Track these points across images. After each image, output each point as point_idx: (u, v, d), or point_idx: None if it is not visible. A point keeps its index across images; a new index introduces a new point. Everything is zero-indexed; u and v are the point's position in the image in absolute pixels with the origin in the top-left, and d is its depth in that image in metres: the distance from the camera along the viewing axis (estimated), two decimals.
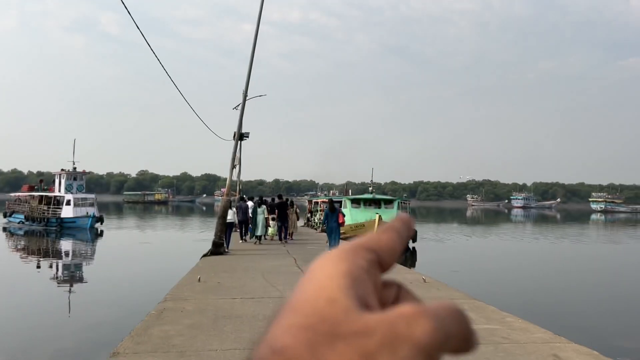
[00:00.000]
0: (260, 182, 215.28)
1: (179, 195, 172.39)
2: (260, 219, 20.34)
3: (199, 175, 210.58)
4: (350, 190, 55.28)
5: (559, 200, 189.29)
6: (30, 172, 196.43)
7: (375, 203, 30.74)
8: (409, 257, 26.82)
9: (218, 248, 16.39)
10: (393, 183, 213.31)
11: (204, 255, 16.14)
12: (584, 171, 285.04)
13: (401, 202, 31.89)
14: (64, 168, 42.70)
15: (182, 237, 36.18)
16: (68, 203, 40.28)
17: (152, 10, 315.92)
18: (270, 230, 21.47)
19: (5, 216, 46.95)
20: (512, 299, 13.88)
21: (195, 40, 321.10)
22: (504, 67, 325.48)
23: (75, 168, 42.72)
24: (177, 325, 7.12)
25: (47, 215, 40.98)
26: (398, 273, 12.81)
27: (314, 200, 40.15)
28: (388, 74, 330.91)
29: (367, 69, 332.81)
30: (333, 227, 16.56)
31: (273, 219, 21.26)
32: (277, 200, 22.51)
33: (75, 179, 42.24)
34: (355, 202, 30.91)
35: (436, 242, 35.32)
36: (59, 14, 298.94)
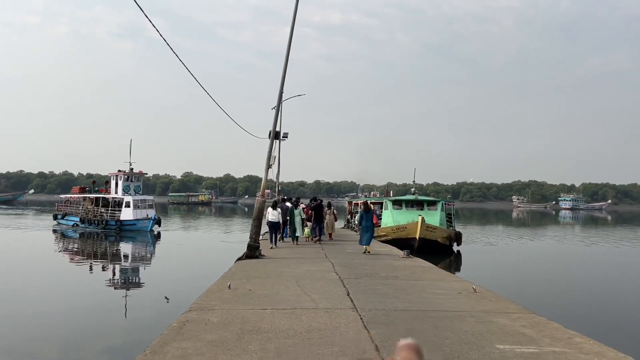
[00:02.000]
0: (301, 184, 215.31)
1: (222, 197, 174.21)
2: (297, 220, 20.70)
3: (242, 176, 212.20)
4: (391, 192, 54.05)
5: (609, 201, 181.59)
6: (80, 174, 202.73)
7: (418, 204, 29.59)
8: (453, 261, 25.61)
9: (253, 251, 15.74)
10: (435, 184, 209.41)
11: (239, 259, 15.53)
12: (636, 171, 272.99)
13: (445, 204, 30.58)
14: (120, 169, 41.40)
15: (223, 238, 35.90)
16: (127, 205, 39.14)
17: (196, 16, 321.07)
18: (305, 231, 21.89)
19: (55, 218, 46.14)
20: (575, 313, 12.62)
21: (237, 43, 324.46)
22: (549, 65, 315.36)
23: (132, 169, 41.36)
24: (197, 341, 6.39)
25: (105, 217, 39.92)
26: (444, 281, 11.79)
27: (354, 202, 39.22)
28: (429, 73, 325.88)
29: (407, 69, 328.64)
30: (368, 226, 17.68)
31: (309, 220, 21.85)
32: (311, 202, 23.20)
33: (132, 180, 40.98)
34: (397, 203, 29.84)
35: (481, 246, 33.82)
36: (107, 20, 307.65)
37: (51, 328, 11.43)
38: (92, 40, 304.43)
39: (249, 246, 15.86)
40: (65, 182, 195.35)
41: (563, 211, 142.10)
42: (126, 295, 15.99)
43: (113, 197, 40.63)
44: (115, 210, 39.83)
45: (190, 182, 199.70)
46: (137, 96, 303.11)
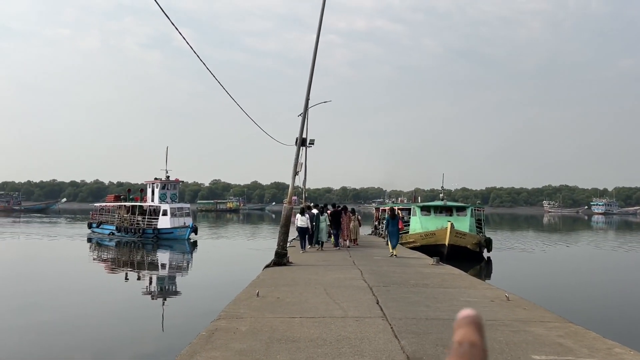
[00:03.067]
0: (328, 190, 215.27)
1: (250, 204, 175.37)
2: (323, 226, 20.99)
3: (269, 183, 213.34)
4: (419, 198, 53.55)
5: None
6: (110, 183, 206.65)
7: (447, 210, 29.17)
8: (483, 268, 25.16)
9: (281, 258, 15.71)
10: (464, 189, 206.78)
11: (267, 266, 15.51)
12: None
13: (475, 209, 30.09)
14: (157, 177, 40.57)
15: (251, 245, 36.05)
16: (165, 213, 38.34)
17: (223, 25, 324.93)
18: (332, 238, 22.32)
19: (90, 227, 45.54)
20: (613, 323, 12.20)
21: (263, 51, 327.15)
22: (579, 67, 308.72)
23: (168, 177, 40.44)
24: (226, 350, 6.35)
25: (141, 226, 39.23)
26: (475, 289, 11.55)
27: (381, 208, 38.95)
28: (456, 78, 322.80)
29: (434, 74, 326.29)
30: (393, 231, 19.10)
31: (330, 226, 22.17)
32: (329, 208, 23.03)
33: (168, 187, 40.12)
34: (425, 209, 29.50)
35: (512, 252, 33.17)
36: (136, 31, 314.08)
37: (84, 335, 11.57)
38: (121, 51, 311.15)
39: (276, 253, 15.84)
40: (97, 190, 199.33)
41: (596, 216, 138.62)
42: (158, 303, 16.13)
43: (149, 205, 40.01)
44: (152, 218, 39.20)
45: (218, 190, 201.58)
46: (166, 105, 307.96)
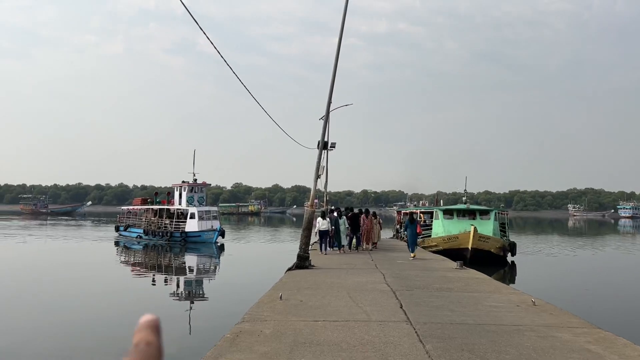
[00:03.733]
0: (349, 193, 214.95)
1: (271, 207, 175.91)
2: (342, 229, 21.48)
3: (290, 186, 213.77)
4: (441, 201, 53.16)
5: None
6: (135, 186, 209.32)
7: (470, 214, 28.88)
8: (507, 272, 24.84)
9: (303, 262, 15.73)
10: (487, 192, 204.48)
11: (289, 269, 15.54)
12: None
13: (498, 213, 29.73)
14: (184, 180, 40.25)
15: (273, 248, 36.19)
16: (192, 216, 37.90)
17: (246, 30, 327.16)
18: (354, 240, 22.52)
19: (117, 230, 45.45)
20: None
21: (285, 55, 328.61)
22: (605, 68, 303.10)
23: (196, 180, 40.07)
24: (250, 353, 6.37)
25: (169, 229, 38.91)
26: (500, 293, 11.41)
27: (403, 212, 38.75)
28: (479, 80, 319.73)
29: (456, 76, 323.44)
30: (413, 234, 20.14)
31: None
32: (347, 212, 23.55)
33: (195, 191, 39.74)
34: (448, 213, 29.24)
35: (537, 256, 32.68)
36: (160, 37, 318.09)
37: (110, 336, 11.72)
38: (145, 57, 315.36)
39: (299, 256, 15.86)
40: (121, 194, 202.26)
41: (623, 220, 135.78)
42: (182, 305, 16.25)
43: (177, 208, 39.70)
44: (179, 221, 38.84)
45: (240, 193, 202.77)
46: (189, 109, 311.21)
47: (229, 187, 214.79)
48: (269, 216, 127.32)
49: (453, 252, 23.64)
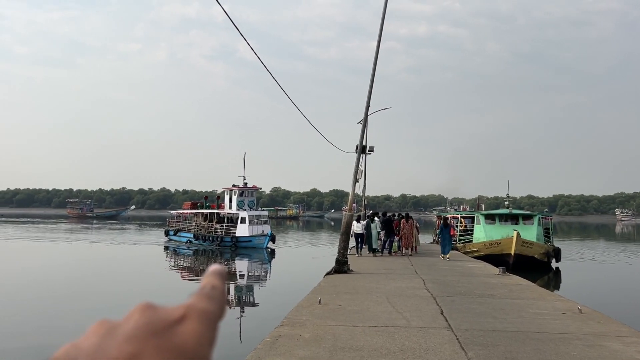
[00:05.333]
0: (387, 197, 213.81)
1: (309, 211, 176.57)
2: (374, 233, 21.75)
3: (328, 191, 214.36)
4: (482, 205, 52.18)
5: None
6: (176, 191, 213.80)
7: (512, 218, 28.22)
8: (552, 278, 24.17)
9: (342, 266, 15.68)
10: (530, 197, 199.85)
11: (328, 273, 15.53)
12: None
13: (542, 218, 28.95)
14: (235, 184, 39.69)
15: (311, 252, 36.28)
16: (243, 221, 37.02)
17: (285, 35, 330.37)
18: (394, 245, 22.53)
19: (167, 234, 44.63)
20: None
21: (324, 60, 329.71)
22: None
23: (246, 183, 39.49)
24: (290, 357, 6.39)
25: (220, 233, 38.21)
26: (545, 300, 11.09)
27: (443, 216, 38.24)
28: (522, 82, 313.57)
29: (498, 78, 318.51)
30: (446, 238, 21.56)
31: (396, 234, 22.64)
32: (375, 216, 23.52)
33: (246, 195, 39.10)
34: (490, 217, 28.67)
35: (582, 262, 31.67)
36: (201, 44, 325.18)
37: None
38: (187, 64, 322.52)
39: (337, 261, 15.82)
40: (163, 198, 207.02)
41: None
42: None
43: (227, 213, 38.96)
44: (229, 226, 38.10)
45: (279, 197, 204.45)
46: (229, 114, 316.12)
47: (267, 191, 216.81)
48: (307, 220, 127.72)
49: (495, 257, 23.15)
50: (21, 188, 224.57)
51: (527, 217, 28.50)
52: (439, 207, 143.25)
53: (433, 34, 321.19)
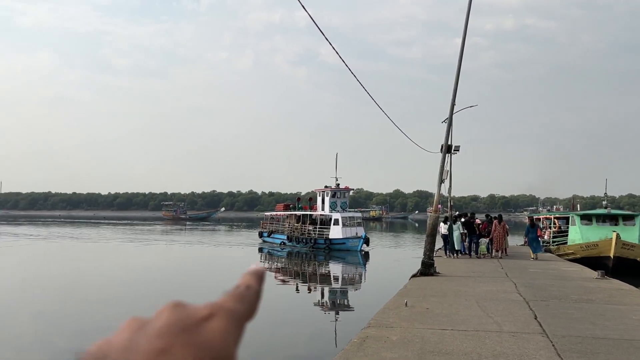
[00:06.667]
0: (474, 198, 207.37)
1: (392, 212, 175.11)
2: (456, 234, 21.50)
3: (411, 192, 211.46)
4: (578, 205, 49.34)
5: None
6: (263, 193, 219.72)
7: (611, 219, 26.50)
8: None
9: (428, 268, 15.44)
10: (630, 196, 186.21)
11: (413, 276, 15.35)
12: None
13: None
14: (327, 185, 39.30)
15: (395, 254, 35.96)
16: (336, 223, 36.41)
17: (368, 37, 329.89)
18: (481, 247, 22.10)
19: (260, 236, 45.12)
20: None
21: (406, 59, 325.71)
22: None
23: (338, 184, 38.98)
24: (378, 359, 6.41)
25: (313, 235, 37.82)
26: None
27: (535, 217, 36.56)
28: (621, 74, 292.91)
29: (594, 71, 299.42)
30: (533, 238, 22.45)
31: (484, 236, 22.26)
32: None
33: (338, 196, 38.47)
34: (586, 218, 27.08)
35: None
36: (285, 49, 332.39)
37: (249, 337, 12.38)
38: (271, 69, 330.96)
39: (423, 263, 15.61)
40: (250, 200, 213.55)
41: None
42: (310, 309, 16.69)
43: (320, 214, 38.53)
44: (322, 228, 37.55)
45: (361, 198, 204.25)
46: (312, 117, 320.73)
47: (350, 193, 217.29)
48: (391, 222, 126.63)
49: (592, 260, 21.86)
50: (120, 192, 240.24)
51: (628, 218, 26.65)
52: (530, 208, 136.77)
53: (521, 27, 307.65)
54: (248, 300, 0.47)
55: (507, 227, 23.42)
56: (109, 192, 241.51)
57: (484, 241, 22.24)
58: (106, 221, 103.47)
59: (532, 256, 21.20)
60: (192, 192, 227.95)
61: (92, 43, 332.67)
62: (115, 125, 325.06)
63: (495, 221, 22.39)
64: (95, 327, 12.64)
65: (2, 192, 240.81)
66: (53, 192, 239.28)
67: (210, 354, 0.41)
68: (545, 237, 30.16)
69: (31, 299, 17.37)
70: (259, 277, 0.49)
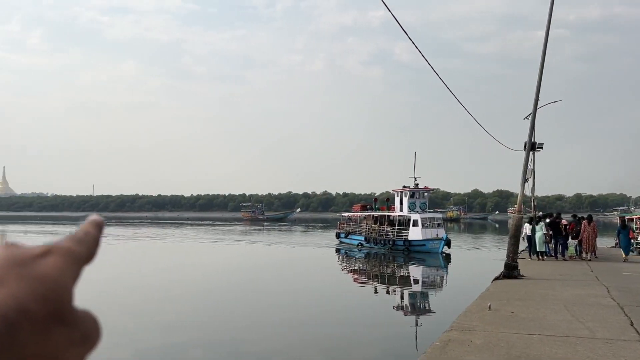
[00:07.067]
0: (559, 197, 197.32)
1: (471, 213, 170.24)
2: (538, 235, 20.62)
3: (491, 191, 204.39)
4: None
5: None
6: (337, 194, 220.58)
7: None
8: None
9: (511, 271, 14.89)
10: None
11: (496, 278, 14.86)
12: None
13: None
14: (405, 185, 38.53)
15: (475, 255, 34.98)
16: (415, 224, 35.51)
17: (442, 34, 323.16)
18: (570, 249, 21.34)
19: (338, 237, 44.91)
20: None
21: (482, 55, 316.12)
22: None
23: (417, 184, 38.19)
24: None
25: (391, 237, 37.22)
26: None
27: (626, 217, 34.29)
28: None
29: None
30: (624, 239, 21.27)
31: (573, 238, 21.50)
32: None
33: (417, 196, 37.62)
34: None
35: None
36: (358, 50, 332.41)
37: (319, 334, 12.51)
38: (345, 70, 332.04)
39: (506, 265, 15.08)
40: (325, 201, 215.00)
41: None
42: (388, 311, 16.57)
43: (398, 215, 37.82)
44: (401, 229, 36.83)
45: (438, 199, 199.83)
46: (385, 117, 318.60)
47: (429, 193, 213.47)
48: (469, 222, 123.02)
49: None
50: (202, 194, 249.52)
51: None
52: (621, 207, 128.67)
53: (608, 16, 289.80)
54: (86, 244, 0.48)
55: (596, 227, 22.17)
56: (192, 194, 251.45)
57: (572, 243, 21.18)
58: (189, 222, 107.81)
59: (624, 257, 20.40)
60: (269, 193, 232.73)
61: (172, 51, 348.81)
62: (195, 130, 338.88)
63: (584, 221, 21.32)
64: (189, 322, 13.26)
65: (94, 194, 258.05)
66: (140, 194, 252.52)
67: (44, 286, 0.42)
68: (639, 238, 28.27)
69: (142, 293, 18.52)
70: (97, 225, 0.51)
